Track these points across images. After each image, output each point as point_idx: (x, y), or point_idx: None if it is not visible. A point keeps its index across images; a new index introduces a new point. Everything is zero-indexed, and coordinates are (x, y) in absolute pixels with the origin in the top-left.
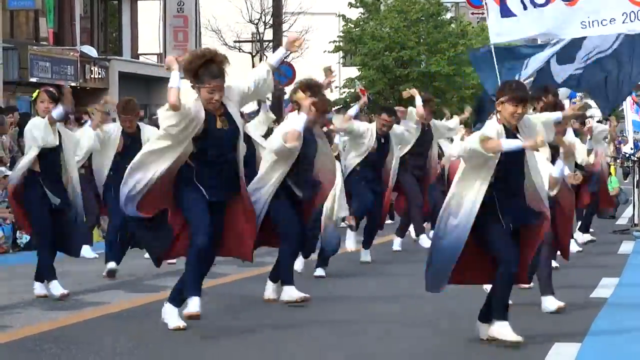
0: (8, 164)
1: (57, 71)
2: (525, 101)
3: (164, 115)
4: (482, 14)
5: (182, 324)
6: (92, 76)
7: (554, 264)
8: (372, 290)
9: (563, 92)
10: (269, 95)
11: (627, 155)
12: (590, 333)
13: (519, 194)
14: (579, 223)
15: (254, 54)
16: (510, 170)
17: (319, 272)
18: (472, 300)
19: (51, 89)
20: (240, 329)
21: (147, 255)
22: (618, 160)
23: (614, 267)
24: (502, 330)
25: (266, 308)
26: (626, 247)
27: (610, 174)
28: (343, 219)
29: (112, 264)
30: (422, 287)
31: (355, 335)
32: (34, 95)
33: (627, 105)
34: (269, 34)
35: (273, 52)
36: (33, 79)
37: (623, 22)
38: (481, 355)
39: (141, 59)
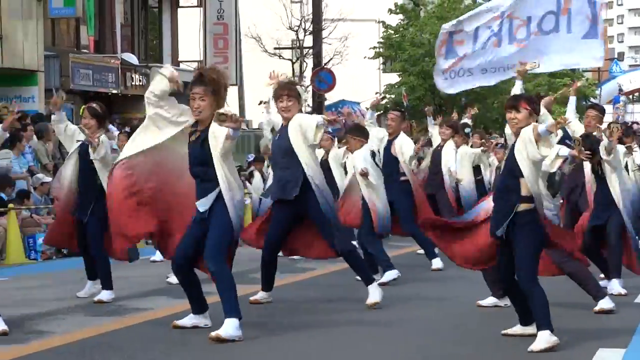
0: (51, 171)
1: (98, 79)
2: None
3: None
4: None
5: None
6: (133, 83)
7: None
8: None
9: (605, 94)
10: (310, 102)
11: None
12: (635, 338)
13: None
14: None
15: (294, 61)
16: None
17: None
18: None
19: (94, 104)
20: (279, 334)
21: None
22: None
23: None
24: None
25: (308, 314)
26: None
27: None
28: None
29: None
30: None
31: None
32: (81, 111)
33: None
34: (308, 41)
35: (313, 59)
36: (75, 87)
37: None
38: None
39: (182, 66)
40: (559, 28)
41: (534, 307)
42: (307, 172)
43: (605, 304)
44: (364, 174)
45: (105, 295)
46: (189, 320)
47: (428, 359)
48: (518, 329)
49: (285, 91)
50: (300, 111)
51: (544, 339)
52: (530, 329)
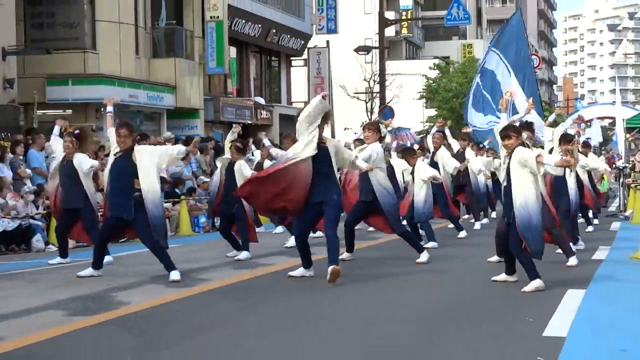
0: (209, 174)
1: (238, 114)
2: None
3: None
4: None
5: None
6: (262, 117)
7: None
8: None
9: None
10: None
11: (619, 167)
12: (592, 282)
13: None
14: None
15: (367, 101)
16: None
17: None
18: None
19: (238, 143)
20: (356, 280)
21: None
22: (611, 169)
23: (608, 239)
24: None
25: (375, 267)
26: (615, 225)
27: (603, 178)
28: None
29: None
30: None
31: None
32: (228, 145)
33: (620, 131)
34: (377, 88)
35: (379, 100)
36: (223, 119)
37: None
38: (507, 300)
39: (294, 104)
40: None
41: (523, 264)
42: (373, 181)
43: (573, 261)
44: (437, 178)
45: (243, 255)
46: (300, 272)
47: (460, 292)
48: (503, 276)
49: (368, 125)
50: (380, 141)
51: (534, 284)
52: (511, 278)
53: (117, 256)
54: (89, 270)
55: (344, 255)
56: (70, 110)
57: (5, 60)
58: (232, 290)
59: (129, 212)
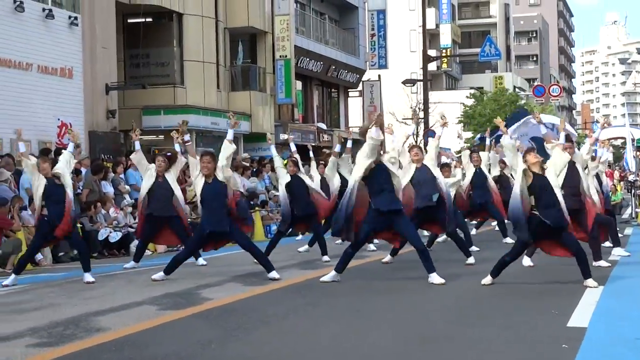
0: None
1: (304, 137)
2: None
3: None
4: (542, 101)
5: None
6: (324, 139)
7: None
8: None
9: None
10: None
11: (630, 181)
12: (609, 280)
13: None
14: None
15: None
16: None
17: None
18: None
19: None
20: (396, 278)
21: None
22: (622, 183)
23: (622, 243)
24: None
25: (410, 269)
26: (628, 231)
27: (617, 190)
28: None
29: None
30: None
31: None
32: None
33: (630, 150)
34: (422, 114)
35: (424, 124)
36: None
37: None
38: (535, 295)
39: (350, 129)
40: None
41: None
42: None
43: (603, 263)
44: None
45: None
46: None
47: (495, 289)
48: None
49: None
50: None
51: (591, 281)
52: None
53: (206, 257)
54: (161, 274)
55: (387, 258)
56: (162, 136)
57: (109, 94)
58: (299, 287)
59: (225, 226)
